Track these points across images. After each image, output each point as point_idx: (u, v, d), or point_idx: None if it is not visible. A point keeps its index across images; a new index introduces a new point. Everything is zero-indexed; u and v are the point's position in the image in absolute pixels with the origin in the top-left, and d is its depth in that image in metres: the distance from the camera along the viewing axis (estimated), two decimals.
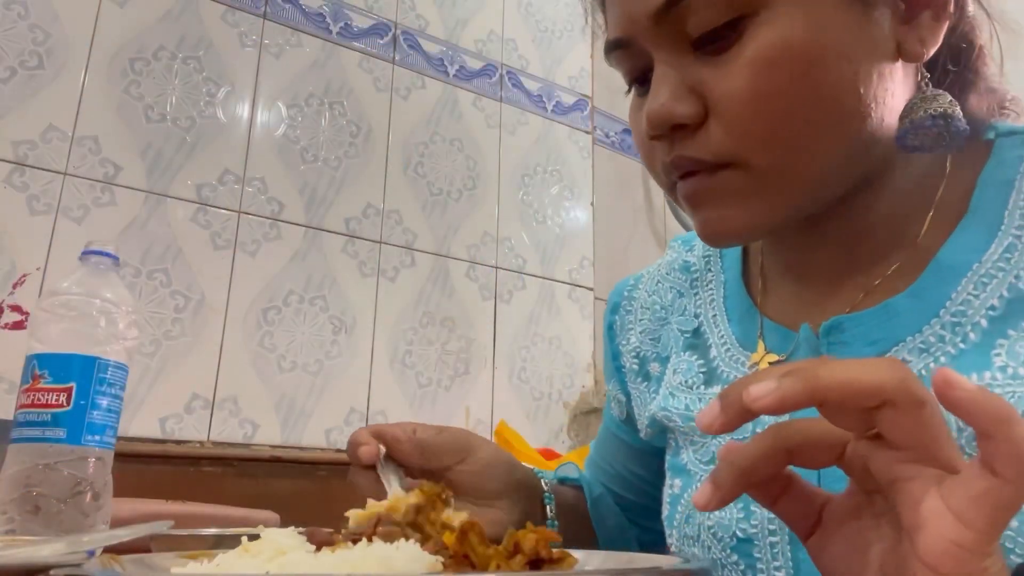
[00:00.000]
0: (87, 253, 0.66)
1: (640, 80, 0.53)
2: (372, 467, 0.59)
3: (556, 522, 0.67)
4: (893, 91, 0.49)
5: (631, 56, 0.52)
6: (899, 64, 0.49)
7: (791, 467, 0.37)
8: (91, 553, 0.42)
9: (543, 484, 0.68)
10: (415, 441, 0.59)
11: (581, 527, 0.72)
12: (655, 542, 0.76)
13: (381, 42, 1.87)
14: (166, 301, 1.49)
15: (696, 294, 0.66)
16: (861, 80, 0.47)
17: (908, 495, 0.31)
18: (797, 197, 0.49)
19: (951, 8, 0.49)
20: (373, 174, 1.79)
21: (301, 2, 1.76)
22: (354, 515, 0.48)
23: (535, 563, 0.32)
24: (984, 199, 0.51)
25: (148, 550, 0.50)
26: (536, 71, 2.10)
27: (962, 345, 0.48)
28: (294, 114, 1.71)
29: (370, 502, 0.49)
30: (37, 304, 0.65)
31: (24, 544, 0.44)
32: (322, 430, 1.60)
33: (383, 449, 0.59)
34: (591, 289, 2.07)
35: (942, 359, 0.48)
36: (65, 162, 1.43)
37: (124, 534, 0.43)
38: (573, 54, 2.18)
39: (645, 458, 0.73)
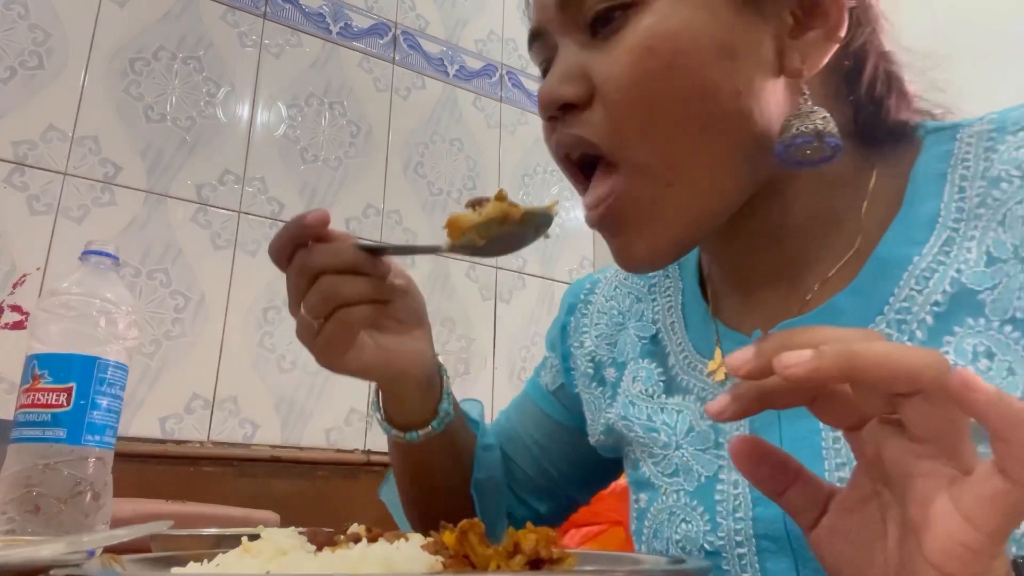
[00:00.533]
0: (87, 253, 0.66)
1: (547, 72, 0.55)
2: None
3: (450, 395, 0.66)
4: (779, 103, 0.49)
5: (545, 47, 0.54)
6: (782, 80, 0.49)
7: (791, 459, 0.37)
8: (91, 553, 0.42)
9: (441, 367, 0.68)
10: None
11: (461, 452, 0.70)
12: (526, 520, 0.72)
13: (381, 42, 1.87)
14: (166, 301, 1.49)
15: (654, 300, 0.65)
16: (741, 83, 0.47)
17: (918, 492, 0.31)
18: (692, 206, 0.49)
19: (841, 32, 0.49)
20: (373, 174, 1.79)
21: (301, 2, 1.76)
22: (455, 219, 0.50)
23: (535, 563, 0.32)
24: (918, 193, 0.51)
25: (148, 550, 0.50)
26: (536, 71, 2.09)
27: (908, 343, 0.48)
28: (294, 114, 1.71)
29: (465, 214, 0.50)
30: (37, 304, 0.65)
31: (24, 544, 0.44)
32: (322, 430, 1.60)
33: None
34: None
35: None
36: (65, 162, 1.43)
37: (124, 534, 0.43)
38: None
39: (556, 430, 0.72)
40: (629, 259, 0.52)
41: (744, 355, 0.33)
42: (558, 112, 0.51)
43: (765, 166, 0.50)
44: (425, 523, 0.70)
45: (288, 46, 1.73)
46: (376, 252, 0.56)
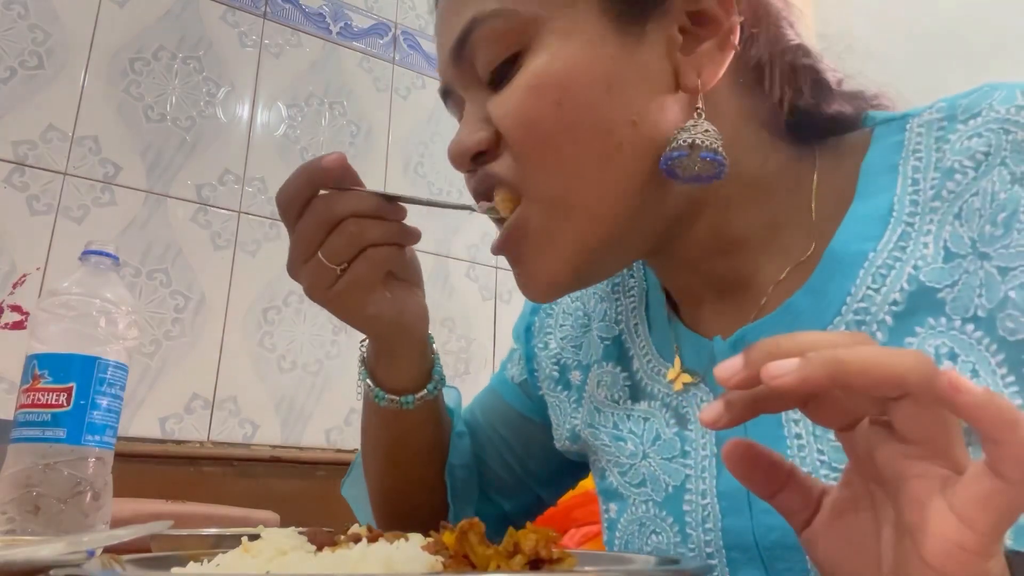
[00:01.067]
0: (87, 253, 0.66)
1: None
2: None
3: (440, 363, 0.66)
4: (676, 121, 0.48)
5: (455, 102, 0.56)
6: (679, 95, 0.49)
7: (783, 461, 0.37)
8: (91, 553, 0.42)
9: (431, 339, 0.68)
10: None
11: (442, 433, 0.69)
12: (490, 517, 0.72)
13: (381, 42, 1.87)
14: (166, 301, 1.49)
15: (617, 300, 0.64)
16: (634, 112, 0.47)
17: (912, 493, 0.31)
18: (595, 233, 0.49)
19: (734, 39, 0.49)
20: (373, 174, 1.79)
21: (301, 2, 1.76)
22: None
23: (535, 563, 0.32)
24: (869, 186, 0.50)
25: (148, 550, 0.50)
26: None
27: None
28: (294, 114, 1.71)
29: None
30: (37, 304, 0.65)
31: (24, 544, 0.44)
32: (322, 430, 1.60)
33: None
34: None
35: None
36: (65, 162, 1.43)
37: (124, 534, 0.43)
38: None
39: (521, 424, 0.71)
40: (528, 286, 0.53)
41: (732, 366, 0.32)
42: (472, 164, 0.52)
43: (673, 188, 0.50)
44: (393, 512, 0.69)
45: (288, 46, 1.73)
46: (392, 199, 0.56)
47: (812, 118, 0.52)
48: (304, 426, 1.58)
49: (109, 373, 0.64)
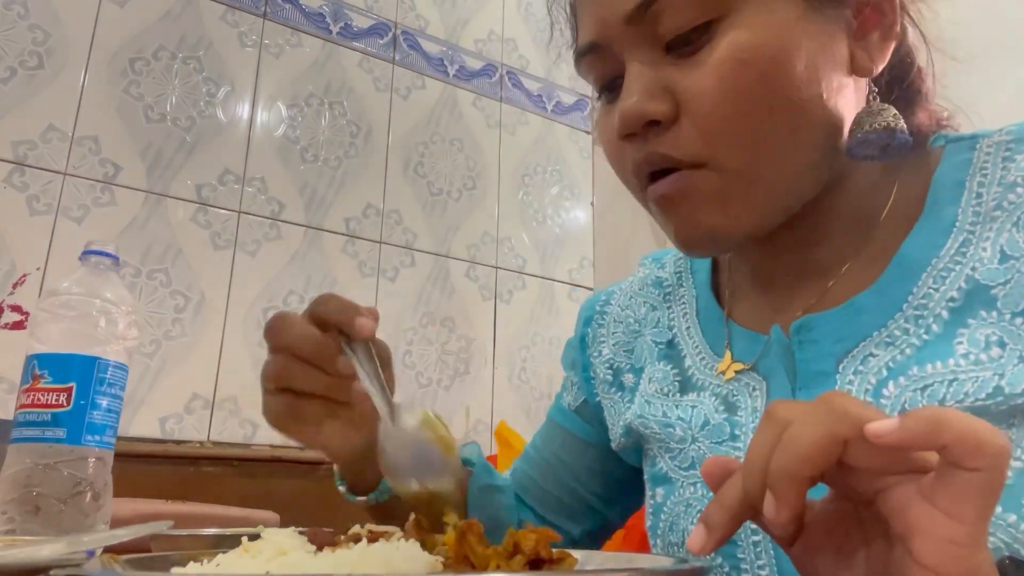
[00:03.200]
0: (87, 253, 0.66)
1: (609, 87, 0.55)
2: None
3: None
4: (848, 103, 0.51)
5: (602, 61, 0.54)
6: (851, 78, 0.52)
7: None
8: (91, 553, 0.42)
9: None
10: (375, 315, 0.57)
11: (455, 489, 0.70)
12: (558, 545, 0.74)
13: (381, 42, 1.87)
14: (166, 301, 1.49)
15: (669, 307, 0.67)
16: (823, 88, 0.49)
17: (894, 503, 0.32)
18: (769, 201, 0.51)
19: (896, 30, 0.52)
20: (373, 174, 1.79)
21: (301, 2, 1.76)
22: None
23: (535, 563, 0.32)
24: (938, 200, 0.53)
25: (148, 550, 0.50)
26: (536, 71, 2.10)
27: (925, 336, 0.50)
28: (294, 114, 1.71)
29: None
30: (37, 304, 0.65)
31: (24, 544, 0.44)
32: None
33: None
34: (591, 289, 2.07)
35: (907, 351, 0.50)
36: (65, 162, 1.43)
37: (124, 534, 0.43)
38: None
39: (582, 449, 0.73)
40: (686, 237, 0.53)
41: (698, 534, 0.35)
42: (641, 129, 0.50)
43: (832, 168, 0.52)
44: None
45: (288, 46, 1.73)
46: (351, 348, 0.54)
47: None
48: None
49: (109, 373, 0.64)
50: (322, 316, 0.55)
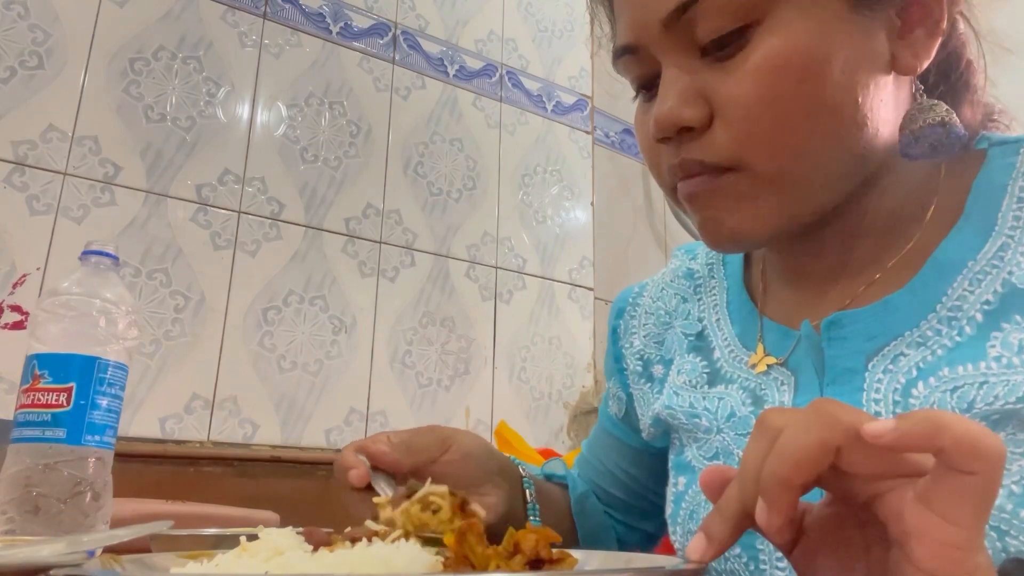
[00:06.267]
0: (87, 253, 0.66)
1: (647, 87, 0.55)
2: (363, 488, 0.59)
3: (536, 506, 0.67)
4: (887, 102, 0.51)
5: (639, 62, 0.54)
6: (892, 76, 0.51)
7: None
8: (91, 553, 0.42)
9: (521, 471, 0.69)
10: (397, 445, 0.60)
11: (560, 520, 0.72)
12: (638, 542, 0.77)
13: (381, 42, 1.87)
14: (166, 301, 1.49)
15: (700, 299, 0.67)
16: (860, 90, 0.49)
17: (890, 507, 0.32)
18: (798, 204, 0.51)
19: (943, 26, 0.51)
20: (373, 174, 1.79)
21: (301, 2, 1.76)
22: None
23: (535, 563, 0.32)
24: (978, 203, 0.53)
25: (148, 550, 0.50)
26: (536, 71, 2.10)
27: (958, 338, 0.49)
28: (294, 114, 1.71)
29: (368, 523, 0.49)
30: (37, 304, 0.65)
31: (24, 544, 0.44)
32: (322, 430, 1.60)
33: (367, 463, 0.60)
34: (591, 289, 2.07)
35: (939, 351, 0.50)
36: (65, 162, 1.43)
37: (124, 534, 0.43)
38: (573, 54, 2.18)
39: (637, 456, 0.74)
40: (714, 234, 0.53)
41: (698, 542, 0.35)
42: (674, 134, 0.51)
43: (866, 169, 0.52)
44: None
45: (288, 46, 1.73)
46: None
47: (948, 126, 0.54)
48: (304, 426, 1.58)
49: (109, 373, 0.64)
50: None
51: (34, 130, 1.41)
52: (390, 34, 1.89)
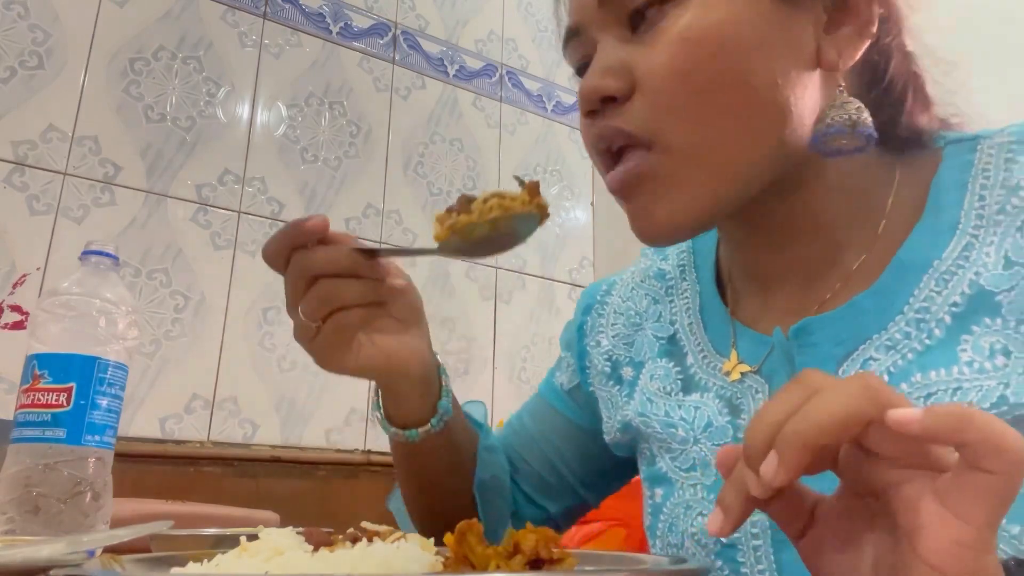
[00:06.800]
0: (87, 253, 0.66)
1: (583, 70, 0.56)
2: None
3: (451, 393, 0.65)
4: (812, 96, 0.51)
5: (581, 45, 0.55)
6: (818, 72, 0.51)
7: None
8: (91, 553, 0.42)
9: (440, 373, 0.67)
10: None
11: (458, 454, 0.69)
12: (532, 518, 0.73)
13: (381, 42, 1.87)
14: (166, 301, 1.49)
15: (671, 301, 0.66)
16: (779, 75, 0.49)
17: (904, 498, 0.32)
18: (721, 186, 0.51)
19: (872, 29, 0.51)
20: (373, 174, 1.79)
21: (301, 2, 1.76)
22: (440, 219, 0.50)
23: (535, 563, 0.32)
24: (939, 201, 0.53)
25: (148, 550, 0.50)
26: (536, 71, 2.10)
27: (928, 341, 0.49)
28: (294, 114, 1.71)
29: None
30: (37, 304, 0.65)
31: (24, 544, 0.44)
32: (322, 430, 1.60)
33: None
34: None
35: (909, 355, 0.49)
36: (65, 162, 1.43)
37: (124, 534, 0.43)
38: None
39: (572, 431, 0.73)
40: (645, 228, 0.53)
41: (716, 517, 0.35)
42: (599, 105, 0.52)
43: (792, 157, 0.52)
44: (429, 525, 0.70)
45: (288, 46, 1.73)
46: (372, 254, 0.56)
47: (900, 126, 0.54)
48: (304, 426, 1.58)
49: (109, 373, 0.64)
50: (298, 241, 0.55)
51: (34, 130, 1.41)
52: (390, 34, 1.89)
